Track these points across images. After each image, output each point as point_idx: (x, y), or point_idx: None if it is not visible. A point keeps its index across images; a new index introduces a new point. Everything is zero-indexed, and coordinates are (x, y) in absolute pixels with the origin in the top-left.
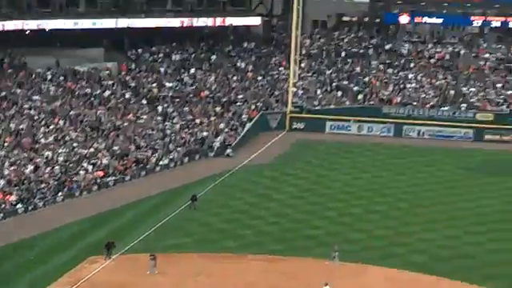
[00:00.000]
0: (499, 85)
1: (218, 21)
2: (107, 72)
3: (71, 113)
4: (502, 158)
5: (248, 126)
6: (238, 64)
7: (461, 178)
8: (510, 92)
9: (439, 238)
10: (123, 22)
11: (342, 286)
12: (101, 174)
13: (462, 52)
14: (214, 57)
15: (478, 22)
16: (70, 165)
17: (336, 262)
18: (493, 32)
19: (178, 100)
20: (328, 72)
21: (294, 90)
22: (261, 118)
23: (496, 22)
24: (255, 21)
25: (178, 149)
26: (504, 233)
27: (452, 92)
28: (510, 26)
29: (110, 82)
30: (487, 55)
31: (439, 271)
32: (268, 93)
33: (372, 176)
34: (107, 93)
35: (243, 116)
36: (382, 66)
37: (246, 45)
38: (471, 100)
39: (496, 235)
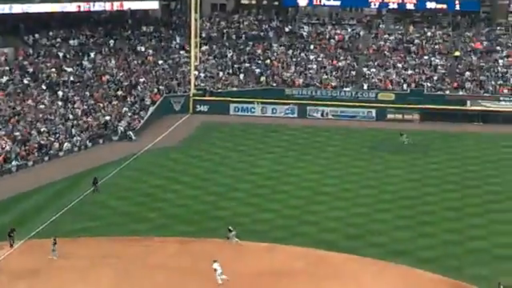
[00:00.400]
0: (399, 65)
1: (116, 5)
2: (4, 57)
3: None
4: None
5: (151, 109)
6: (138, 48)
7: (365, 156)
8: (409, 72)
9: (347, 216)
10: (18, 8)
11: (250, 265)
12: (1, 159)
13: (362, 33)
14: (112, 41)
15: (375, 3)
16: None
17: (233, 241)
18: (391, 13)
19: (78, 85)
20: (229, 55)
21: (196, 73)
22: (164, 101)
23: (393, 4)
24: (153, 5)
25: (81, 134)
26: (409, 210)
27: (353, 73)
28: (407, 7)
29: (7, 68)
30: (386, 36)
31: (348, 249)
32: (170, 76)
33: (278, 156)
34: (5, 78)
35: (146, 100)
36: (282, 48)
37: (145, 29)
38: (372, 80)
39: (402, 212)
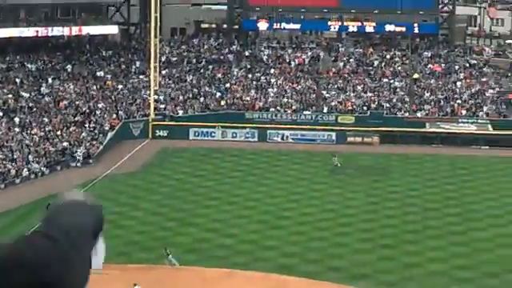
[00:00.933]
0: (359, 87)
1: (74, 30)
2: None
3: None
4: (363, 158)
5: (110, 134)
6: (97, 73)
7: (325, 180)
8: (369, 94)
9: (307, 241)
10: None
11: None
12: None
13: (322, 56)
14: (71, 66)
15: (335, 26)
16: None
17: (174, 264)
18: (350, 36)
19: (36, 110)
20: (189, 79)
21: (156, 97)
22: (123, 126)
23: (353, 27)
24: (112, 29)
25: (39, 160)
26: (369, 233)
27: (313, 96)
28: (366, 30)
29: None
30: (346, 59)
31: (309, 273)
32: (129, 101)
33: (239, 181)
34: None
35: (105, 125)
36: (243, 72)
37: (104, 53)
38: (332, 103)
39: (362, 235)
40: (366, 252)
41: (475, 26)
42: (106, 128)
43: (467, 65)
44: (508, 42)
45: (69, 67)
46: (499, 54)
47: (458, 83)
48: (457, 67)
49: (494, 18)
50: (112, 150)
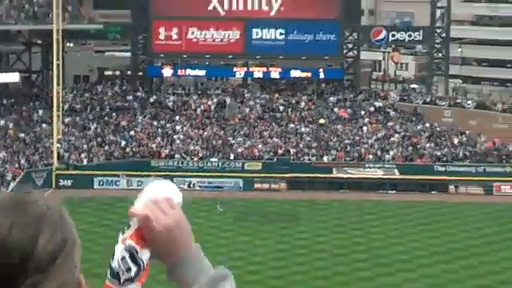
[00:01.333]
0: (265, 133)
1: None
2: None
3: None
4: (271, 205)
5: (12, 185)
6: (0, 122)
7: (232, 227)
8: (275, 140)
9: None
10: None
11: None
12: None
13: (228, 102)
14: None
15: (240, 72)
16: None
17: None
18: (255, 82)
19: None
20: (93, 127)
21: (59, 146)
22: (26, 176)
23: (258, 73)
24: (13, 77)
25: None
26: (278, 280)
27: (220, 142)
28: (272, 75)
29: None
30: (252, 104)
31: None
32: (32, 150)
33: None
34: None
35: (7, 175)
36: (148, 119)
37: (5, 101)
38: (239, 149)
39: (271, 282)
40: None
41: (380, 71)
42: (8, 178)
43: (372, 109)
44: (412, 86)
45: None
46: (404, 99)
47: (364, 128)
48: (362, 112)
49: (398, 63)
50: None
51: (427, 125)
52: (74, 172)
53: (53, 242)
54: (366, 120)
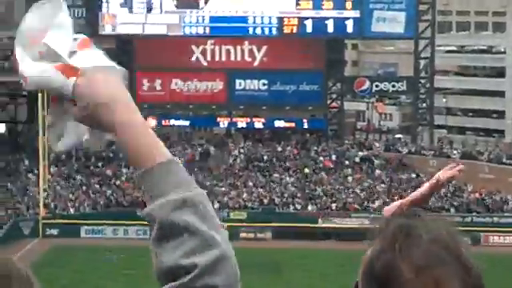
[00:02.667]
0: (250, 183)
1: None
2: None
3: None
4: (258, 254)
5: None
6: None
7: None
8: (260, 190)
9: None
10: None
11: None
12: None
13: (212, 152)
14: None
15: (224, 122)
16: None
17: None
18: (239, 132)
19: None
20: (79, 177)
21: (45, 195)
22: (12, 225)
23: (242, 123)
24: None
25: None
26: None
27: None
28: (255, 126)
29: None
30: (236, 153)
31: None
32: (18, 200)
33: (133, 278)
34: None
35: None
36: (132, 169)
37: None
38: (224, 199)
39: None
40: None
41: (364, 121)
42: None
43: (357, 159)
44: (397, 136)
45: None
46: (389, 149)
47: (350, 178)
48: (347, 162)
49: (382, 113)
50: (2, 249)
51: (413, 175)
52: (60, 221)
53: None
54: (350, 170)
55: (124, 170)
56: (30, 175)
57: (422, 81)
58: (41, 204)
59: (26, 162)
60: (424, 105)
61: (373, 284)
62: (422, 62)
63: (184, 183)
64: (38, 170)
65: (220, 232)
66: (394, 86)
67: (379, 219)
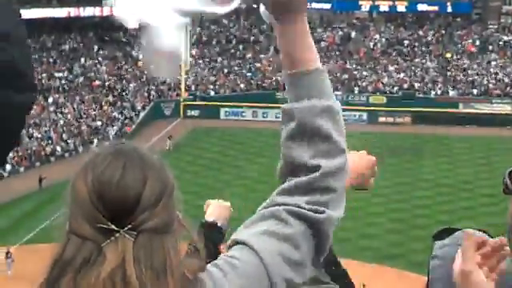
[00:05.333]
0: (391, 68)
1: (106, 10)
2: None
3: None
4: (396, 138)
5: (142, 114)
6: (132, 53)
7: None
8: (401, 75)
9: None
10: None
11: None
12: None
13: (353, 36)
14: (103, 46)
15: (366, 6)
16: None
17: None
18: (381, 16)
19: (69, 90)
20: (220, 59)
21: (186, 77)
22: (155, 106)
23: (384, 6)
24: None
25: (73, 139)
26: (401, 213)
27: (345, 76)
28: (398, 9)
29: None
30: (377, 38)
31: (339, 252)
32: (161, 81)
33: (269, 160)
34: None
35: (137, 104)
36: (273, 52)
37: (135, 33)
38: (364, 83)
39: (394, 215)
40: (399, 232)
41: (510, 5)
42: (138, 108)
43: (502, 44)
44: None
45: (101, 47)
46: None
47: (493, 62)
48: (491, 47)
49: None
50: (144, 129)
51: None
52: (201, 103)
53: (158, 183)
54: (494, 55)
55: (261, 56)
56: None
57: None
58: (182, 85)
59: None
60: None
61: None
62: None
63: (328, 93)
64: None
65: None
66: None
67: None
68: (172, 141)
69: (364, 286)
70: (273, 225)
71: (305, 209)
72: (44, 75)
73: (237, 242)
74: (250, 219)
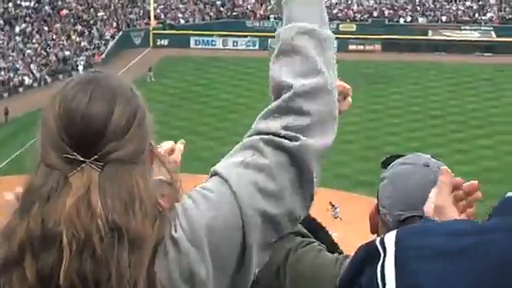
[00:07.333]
0: None
1: None
2: None
3: None
4: (365, 66)
5: (111, 43)
6: None
7: None
8: (371, 2)
9: None
10: None
11: None
12: None
13: None
14: None
15: None
16: None
17: None
18: None
19: (36, 19)
20: None
21: (155, 5)
22: (123, 35)
23: None
24: None
25: (41, 69)
26: (372, 140)
27: None
28: None
29: None
30: None
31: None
32: (129, 10)
33: (242, 89)
34: None
35: (105, 34)
36: None
37: None
38: (334, 11)
39: (366, 143)
40: (371, 160)
41: None
42: (107, 37)
43: None
44: None
45: None
46: None
47: None
48: None
49: None
50: (113, 58)
51: None
52: (170, 31)
53: (127, 111)
54: None
55: None
56: None
57: None
58: (151, 14)
59: None
60: None
61: None
62: None
63: (315, 18)
64: None
65: (334, 72)
66: None
67: None
68: (152, 72)
69: (333, 204)
70: (249, 155)
71: (280, 136)
72: (10, 4)
73: (214, 174)
74: (234, 149)
